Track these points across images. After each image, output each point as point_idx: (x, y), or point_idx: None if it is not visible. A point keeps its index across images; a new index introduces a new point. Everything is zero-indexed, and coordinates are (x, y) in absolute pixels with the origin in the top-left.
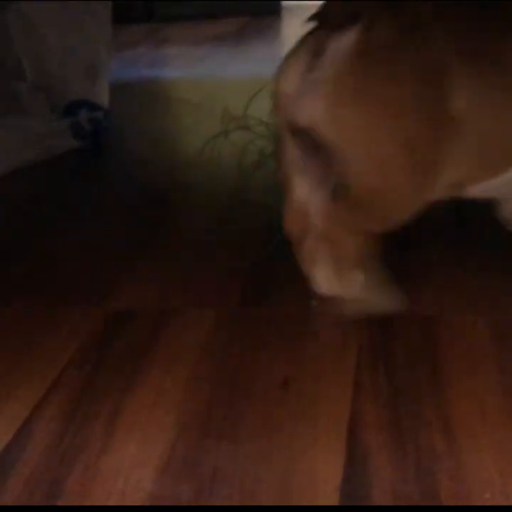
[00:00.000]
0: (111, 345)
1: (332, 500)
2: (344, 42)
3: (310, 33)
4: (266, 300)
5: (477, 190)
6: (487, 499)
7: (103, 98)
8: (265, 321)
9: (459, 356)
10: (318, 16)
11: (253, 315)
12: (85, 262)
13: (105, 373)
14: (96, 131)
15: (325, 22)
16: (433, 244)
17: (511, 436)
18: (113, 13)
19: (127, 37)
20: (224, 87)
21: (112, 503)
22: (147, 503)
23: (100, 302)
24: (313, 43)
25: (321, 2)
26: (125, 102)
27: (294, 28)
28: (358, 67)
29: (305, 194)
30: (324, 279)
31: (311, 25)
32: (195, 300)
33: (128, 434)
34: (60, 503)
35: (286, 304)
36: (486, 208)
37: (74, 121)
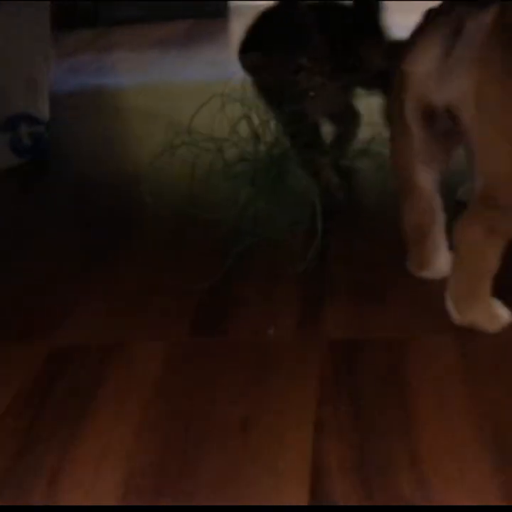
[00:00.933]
0: (53, 389)
1: None
2: (484, 20)
3: (438, 16)
4: (219, 328)
5: None
6: None
7: (44, 111)
8: (219, 352)
9: (427, 383)
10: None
11: (206, 347)
12: (23, 291)
13: (46, 422)
14: (37, 146)
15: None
16: (394, 261)
17: (486, 478)
18: (54, 18)
19: (70, 43)
20: (173, 93)
21: None
22: None
23: (40, 338)
24: (447, 24)
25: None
26: (69, 113)
27: (241, 29)
28: (506, 43)
29: (429, 188)
30: (457, 299)
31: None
32: (143, 333)
33: (71, 495)
34: None
35: (241, 332)
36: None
37: (13, 136)
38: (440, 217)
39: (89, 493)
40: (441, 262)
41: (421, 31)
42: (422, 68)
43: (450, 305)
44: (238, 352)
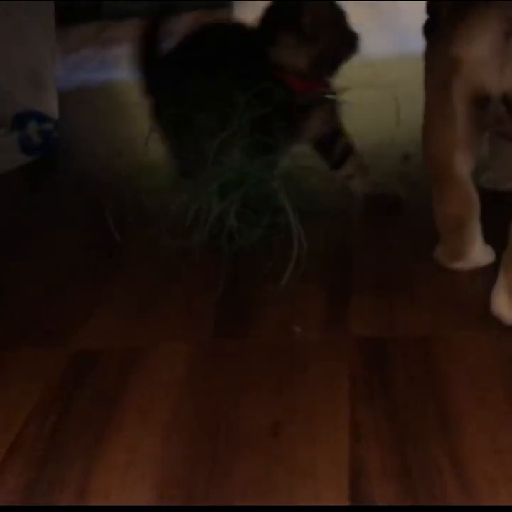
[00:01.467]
0: (76, 394)
1: None
2: None
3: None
4: (243, 328)
5: None
6: None
7: (52, 108)
8: (245, 354)
9: (463, 382)
10: None
11: (231, 347)
12: (41, 296)
13: (70, 429)
14: (46, 144)
15: None
16: (420, 252)
17: None
18: (57, 12)
19: (73, 38)
20: None
21: None
22: None
23: (61, 343)
24: (502, 12)
25: None
26: (76, 109)
27: (246, 21)
28: None
29: (467, 177)
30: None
31: None
32: (165, 334)
33: (101, 503)
34: None
35: (266, 332)
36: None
37: (22, 134)
38: (477, 207)
39: (119, 500)
40: (477, 253)
41: (473, 15)
42: (478, 54)
43: (499, 302)
44: (264, 352)
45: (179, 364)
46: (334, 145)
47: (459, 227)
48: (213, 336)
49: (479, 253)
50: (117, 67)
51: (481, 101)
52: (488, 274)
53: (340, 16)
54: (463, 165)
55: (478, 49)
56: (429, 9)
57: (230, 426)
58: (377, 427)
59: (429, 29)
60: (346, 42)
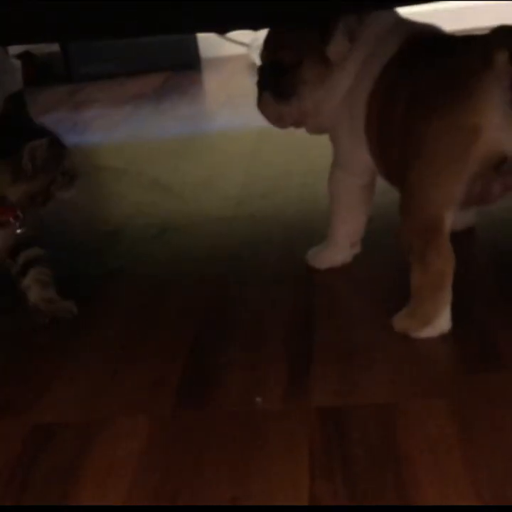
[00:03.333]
0: (33, 470)
1: None
2: None
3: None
4: (205, 399)
5: None
6: None
7: None
8: (205, 426)
9: (420, 450)
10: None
11: (191, 420)
12: None
13: (28, 503)
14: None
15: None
16: (379, 318)
17: None
18: (27, 75)
19: (45, 100)
20: (148, 149)
21: None
22: None
23: (18, 415)
24: (503, 74)
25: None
26: None
27: (214, 82)
28: None
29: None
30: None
31: None
32: (125, 406)
33: None
34: None
35: (228, 403)
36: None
37: None
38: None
39: None
40: (446, 318)
41: (475, 84)
42: (496, 121)
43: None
44: (225, 424)
45: (137, 438)
46: (18, 256)
47: (440, 286)
48: (173, 407)
49: (447, 318)
50: (88, 130)
51: (496, 162)
52: (445, 340)
53: (60, 156)
54: (449, 221)
55: (495, 116)
56: (272, 60)
57: (187, 502)
58: (336, 500)
59: (269, 84)
60: (65, 182)
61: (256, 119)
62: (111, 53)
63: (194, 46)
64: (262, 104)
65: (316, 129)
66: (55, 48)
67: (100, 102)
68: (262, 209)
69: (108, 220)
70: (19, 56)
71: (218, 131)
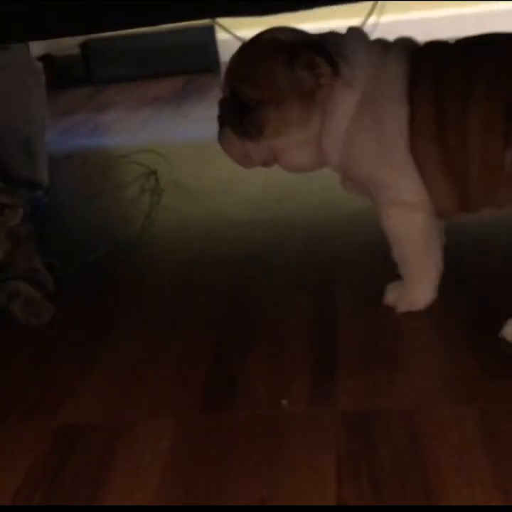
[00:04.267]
0: (61, 472)
1: None
2: None
3: None
4: (230, 402)
5: None
6: None
7: (42, 175)
8: (232, 429)
9: (447, 455)
10: None
11: (217, 422)
12: (27, 370)
13: (57, 505)
14: (35, 212)
15: None
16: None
17: None
18: (49, 76)
19: (64, 103)
20: (167, 153)
21: None
22: None
23: (46, 418)
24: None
25: None
26: (67, 176)
27: None
28: None
29: None
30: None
31: None
32: (152, 408)
33: None
34: None
35: (254, 406)
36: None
37: None
38: None
39: None
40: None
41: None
42: None
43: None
44: (251, 427)
45: (164, 440)
46: None
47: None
48: (199, 411)
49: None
50: (107, 132)
51: None
52: (471, 346)
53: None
54: None
55: None
56: (233, 93)
57: (216, 503)
58: (362, 503)
59: (230, 120)
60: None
61: None
62: (130, 56)
63: (213, 50)
64: (223, 141)
65: (300, 167)
66: (74, 50)
67: (120, 105)
68: (282, 213)
69: (127, 224)
70: (39, 59)
71: None
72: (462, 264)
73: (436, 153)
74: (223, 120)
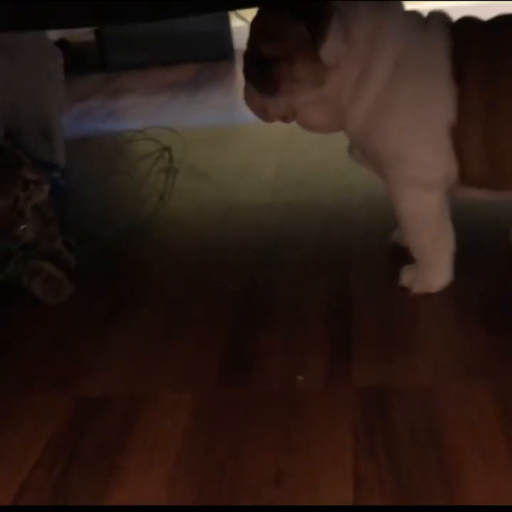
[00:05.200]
0: (82, 441)
1: None
2: None
3: None
4: (247, 377)
5: None
6: None
7: (59, 157)
8: (249, 403)
9: (463, 431)
10: None
11: (234, 397)
12: (47, 344)
13: (76, 477)
14: (53, 193)
15: None
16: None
17: None
18: (65, 62)
19: (80, 88)
20: (183, 138)
21: None
22: None
23: (66, 390)
24: None
25: None
26: (82, 158)
27: None
28: None
29: None
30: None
31: None
32: (170, 382)
33: None
34: None
35: (270, 381)
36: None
37: None
38: None
39: None
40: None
41: None
42: None
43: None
44: (268, 402)
45: (182, 413)
46: None
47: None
48: (217, 385)
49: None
50: (123, 117)
51: None
52: (485, 324)
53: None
54: None
55: None
56: (254, 49)
57: (233, 476)
58: (380, 478)
59: (251, 76)
60: (30, 192)
61: None
62: (145, 43)
63: (228, 37)
64: (245, 94)
65: (317, 126)
66: (89, 36)
67: (135, 91)
68: (297, 197)
69: (140, 205)
70: (55, 43)
71: (252, 120)
72: (478, 246)
73: (482, 133)
74: (246, 74)
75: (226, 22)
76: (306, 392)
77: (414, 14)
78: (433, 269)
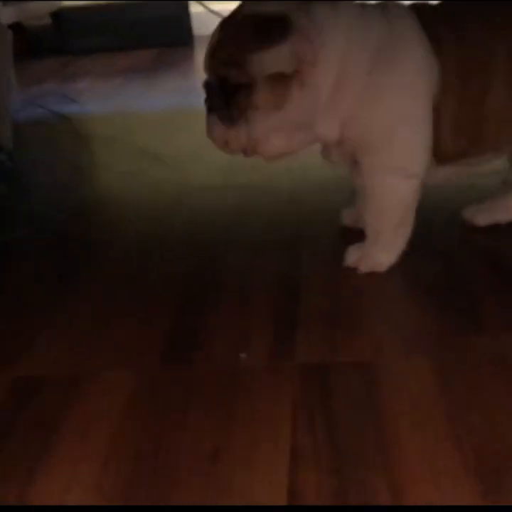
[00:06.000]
0: (15, 422)
1: None
2: None
3: None
4: (191, 356)
5: None
6: None
7: (6, 138)
8: (191, 381)
9: (402, 406)
10: None
11: (177, 375)
12: None
13: (9, 454)
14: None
15: None
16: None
17: (468, 504)
18: (19, 47)
19: (36, 72)
20: (138, 120)
21: None
22: None
23: (3, 369)
24: None
25: None
26: (32, 141)
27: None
28: None
29: None
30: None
31: None
32: (112, 361)
33: None
34: None
35: (213, 359)
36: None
37: None
38: None
39: None
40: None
41: None
42: None
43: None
44: (210, 379)
45: (122, 391)
46: None
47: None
48: (159, 364)
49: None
50: (77, 101)
51: None
52: (430, 304)
53: None
54: None
55: None
56: (218, 76)
57: (169, 451)
58: (317, 451)
59: (216, 106)
60: None
61: None
62: (103, 28)
63: (187, 23)
64: (208, 127)
65: (284, 152)
66: (47, 20)
67: (92, 75)
68: (250, 180)
69: (96, 187)
70: (9, 27)
71: None
72: (428, 226)
73: (456, 106)
74: (209, 104)
75: (185, 7)
76: (249, 370)
77: (369, 5)
78: (385, 251)
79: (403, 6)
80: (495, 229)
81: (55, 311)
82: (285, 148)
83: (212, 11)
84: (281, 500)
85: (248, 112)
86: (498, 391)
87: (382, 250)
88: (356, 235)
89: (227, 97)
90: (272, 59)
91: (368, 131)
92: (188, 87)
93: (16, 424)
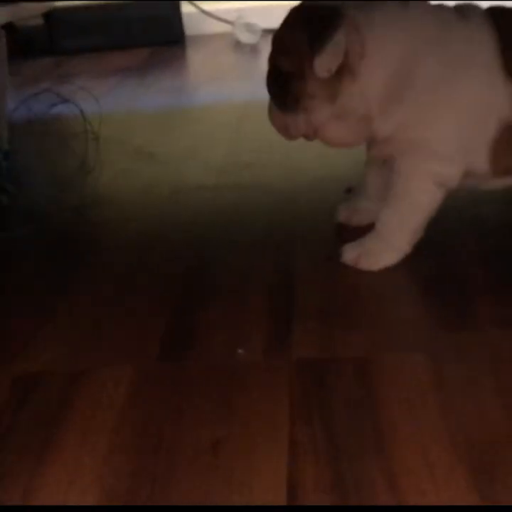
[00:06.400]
0: (17, 417)
1: None
2: None
3: None
4: (189, 352)
5: None
6: None
7: (1, 138)
8: (189, 376)
9: (398, 401)
10: None
11: (175, 370)
12: None
13: (12, 451)
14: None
15: None
16: (360, 274)
17: (463, 495)
18: (11, 46)
19: (29, 72)
20: (131, 120)
21: None
22: None
23: (3, 365)
24: None
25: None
26: (27, 141)
27: (198, 58)
28: None
29: None
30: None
31: None
32: (111, 357)
33: None
34: None
35: (211, 355)
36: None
37: None
38: None
39: None
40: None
41: None
42: None
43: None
44: (207, 375)
45: (120, 386)
46: None
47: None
48: (158, 359)
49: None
50: (73, 100)
51: None
52: (425, 300)
53: None
54: None
55: None
56: (273, 65)
57: (170, 444)
58: (315, 444)
59: (272, 92)
60: None
61: (239, 95)
62: (96, 28)
63: (179, 22)
64: (269, 112)
65: (344, 143)
66: (38, 21)
67: (84, 75)
68: (244, 179)
69: (92, 186)
70: (2, 28)
71: (202, 104)
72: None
73: None
74: (268, 90)
75: (177, 7)
76: (246, 365)
77: (446, 8)
78: (389, 251)
79: (480, 11)
80: (491, 226)
81: (55, 310)
82: (345, 138)
83: (203, 11)
84: (281, 491)
85: (304, 101)
86: (492, 386)
87: (387, 250)
88: (351, 232)
89: (281, 85)
90: (313, 52)
91: (424, 138)
92: (179, 87)
93: (16, 421)
